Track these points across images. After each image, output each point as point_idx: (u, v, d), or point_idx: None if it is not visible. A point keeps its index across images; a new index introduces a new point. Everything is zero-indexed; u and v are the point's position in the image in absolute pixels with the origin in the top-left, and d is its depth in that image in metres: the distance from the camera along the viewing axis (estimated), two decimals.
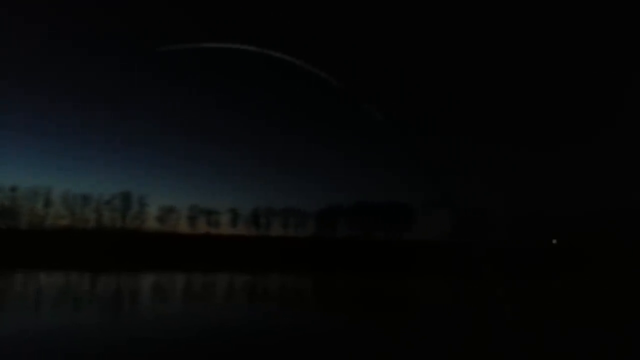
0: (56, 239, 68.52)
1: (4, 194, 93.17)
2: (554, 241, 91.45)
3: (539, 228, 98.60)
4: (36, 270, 31.90)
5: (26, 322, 13.30)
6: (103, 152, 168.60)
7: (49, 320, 13.76)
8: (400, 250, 76.73)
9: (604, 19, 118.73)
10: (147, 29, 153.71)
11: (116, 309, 16.39)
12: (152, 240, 76.34)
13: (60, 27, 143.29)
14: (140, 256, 55.59)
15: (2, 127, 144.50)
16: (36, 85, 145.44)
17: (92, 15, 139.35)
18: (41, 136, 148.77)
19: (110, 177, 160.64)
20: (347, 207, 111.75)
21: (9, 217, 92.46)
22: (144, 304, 17.99)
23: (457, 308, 19.52)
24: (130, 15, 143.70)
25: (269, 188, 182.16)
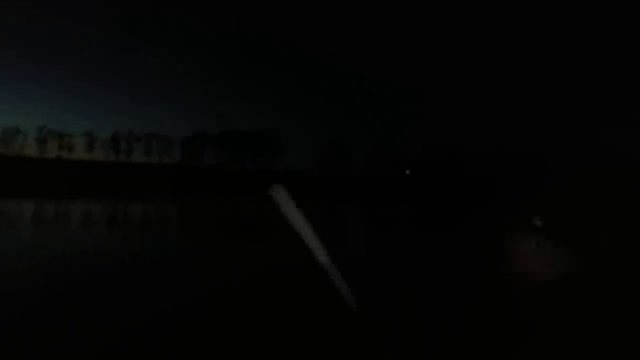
0: None
1: None
2: (407, 172, 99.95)
3: (395, 160, 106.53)
4: None
5: None
6: None
7: None
8: (265, 179, 78.13)
9: None
10: None
11: None
12: None
13: None
14: None
15: None
16: None
17: None
18: None
19: None
20: (213, 135, 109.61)
21: None
22: None
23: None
24: None
25: (129, 112, 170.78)
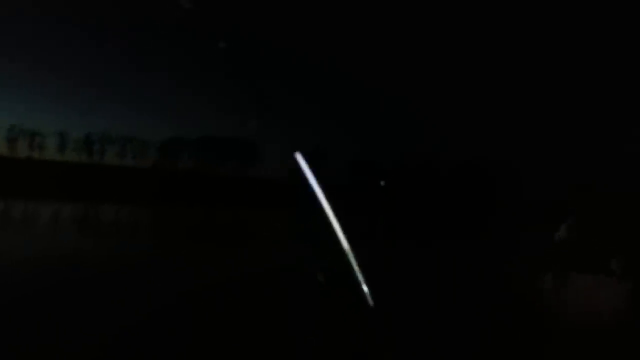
0: None
1: None
2: (382, 182, 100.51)
3: (371, 170, 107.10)
4: None
5: None
6: None
7: None
8: (241, 186, 77.52)
9: None
10: None
11: None
12: None
13: None
14: None
15: None
16: None
17: None
18: None
19: None
20: (190, 140, 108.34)
21: None
22: None
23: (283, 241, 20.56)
24: None
25: (104, 113, 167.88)
